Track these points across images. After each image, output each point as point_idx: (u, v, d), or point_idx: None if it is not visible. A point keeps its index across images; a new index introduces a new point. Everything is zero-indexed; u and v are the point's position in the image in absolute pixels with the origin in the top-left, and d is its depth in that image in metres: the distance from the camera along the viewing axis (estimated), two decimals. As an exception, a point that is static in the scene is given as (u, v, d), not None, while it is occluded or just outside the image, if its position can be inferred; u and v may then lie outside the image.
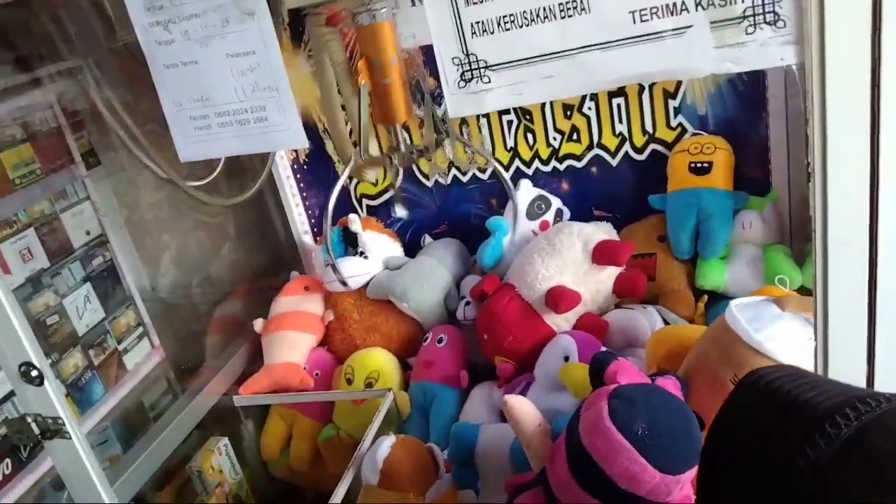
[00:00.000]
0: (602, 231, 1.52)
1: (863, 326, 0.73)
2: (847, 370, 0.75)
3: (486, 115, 1.67)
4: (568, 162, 1.70)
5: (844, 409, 0.47)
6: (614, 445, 0.92)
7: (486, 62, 0.69)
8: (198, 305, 1.82)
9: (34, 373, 1.07)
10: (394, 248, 1.79)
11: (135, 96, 1.65)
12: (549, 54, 0.67)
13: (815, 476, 0.45)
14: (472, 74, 0.70)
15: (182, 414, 1.57)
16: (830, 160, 0.66)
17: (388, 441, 1.27)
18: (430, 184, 1.82)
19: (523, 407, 1.10)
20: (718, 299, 1.54)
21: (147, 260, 1.71)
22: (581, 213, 1.72)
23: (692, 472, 0.93)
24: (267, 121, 0.81)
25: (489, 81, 0.70)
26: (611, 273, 1.47)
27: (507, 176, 1.71)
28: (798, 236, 1.55)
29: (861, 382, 0.76)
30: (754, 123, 1.55)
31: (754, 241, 1.53)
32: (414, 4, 0.98)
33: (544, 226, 1.66)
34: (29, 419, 1.12)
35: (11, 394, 1.37)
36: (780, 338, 1.06)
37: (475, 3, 0.67)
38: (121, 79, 1.62)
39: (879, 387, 0.76)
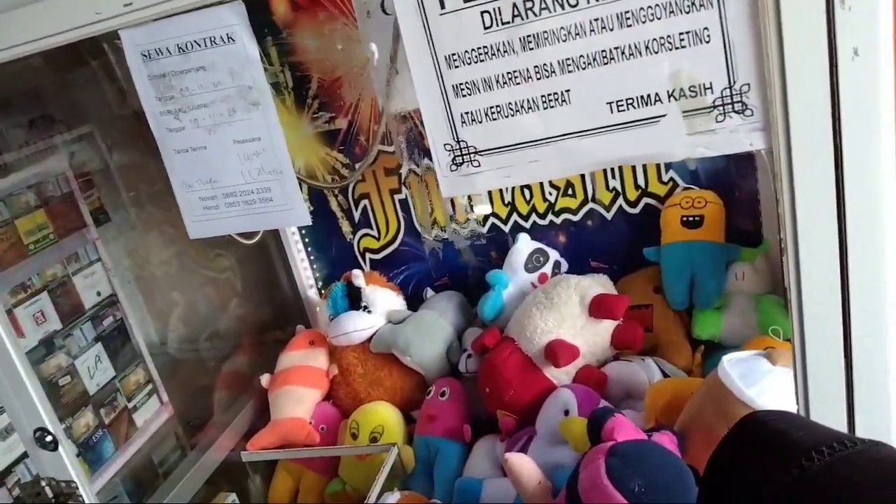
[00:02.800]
0: (598, 284, 1.56)
1: (841, 383, 0.77)
2: (827, 419, 0.78)
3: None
4: (564, 216, 1.75)
5: (821, 447, 0.52)
6: (612, 503, 0.94)
7: (475, 148, 0.74)
8: (205, 361, 1.86)
9: (48, 438, 1.11)
10: (397, 302, 1.83)
11: (144, 158, 1.72)
12: (534, 141, 0.72)
13: (784, 499, 0.50)
14: (463, 159, 0.75)
15: (191, 470, 1.59)
16: (801, 235, 0.70)
17: (393, 498, 1.29)
18: (430, 238, 1.87)
19: (524, 464, 1.13)
20: (715, 349, 1.56)
21: (156, 316, 1.75)
22: (578, 265, 1.77)
23: (687, 531, 0.95)
24: (272, 201, 0.86)
25: (479, 165, 0.75)
26: (608, 325, 1.50)
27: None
28: (791, 285, 1.58)
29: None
30: (744, 176, 1.60)
31: (747, 291, 1.56)
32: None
33: (543, 278, 1.70)
34: (43, 483, 1.15)
35: (24, 456, 1.40)
36: (771, 392, 1.09)
37: (465, 96, 0.73)
38: (131, 142, 1.69)
39: (859, 429, 0.80)
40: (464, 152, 0.75)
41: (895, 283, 0.70)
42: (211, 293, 1.93)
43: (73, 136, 1.61)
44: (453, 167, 0.76)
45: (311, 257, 2.01)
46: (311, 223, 0.90)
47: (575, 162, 0.71)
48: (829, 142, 0.66)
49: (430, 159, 1.76)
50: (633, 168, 1.65)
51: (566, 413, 1.36)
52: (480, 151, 0.74)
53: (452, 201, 1.79)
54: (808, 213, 0.69)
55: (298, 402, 1.71)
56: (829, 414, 0.78)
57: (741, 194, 1.60)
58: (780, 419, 0.62)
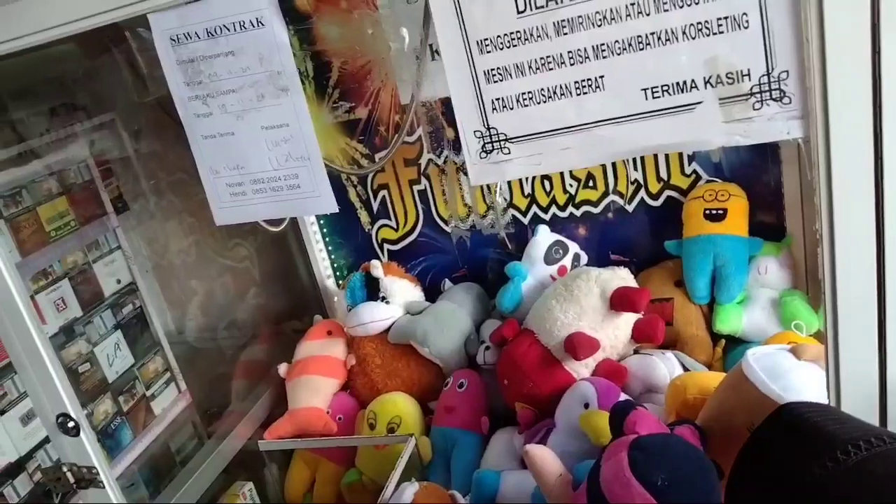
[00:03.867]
0: (619, 277, 1.54)
1: (874, 378, 0.75)
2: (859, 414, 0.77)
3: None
4: (584, 208, 1.74)
5: (858, 441, 0.51)
6: (634, 496, 0.93)
7: (505, 135, 0.73)
8: (223, 349, 1.86)
9: (71, 424, 1.12)
10: (415, 293, 1.82)
11: (164, 147, 1.72)
12: (566, 128, 0.71)
13: (815, 490, 0.49)
14: (493, 146, 0.74)
15: (209, 459, 1.60)
16: (837, 227, 0.69)
17: (412, 489, 1.29)
18: (449, 229, 1.86)
19: (545, 457, 1.12)
20: (736, 343, 1.55)
21: (174, 305, 1.75)
22: (598, 258, 1.75)
23: (711, 525, 0.94)
24: (299, 188, 0.85)
25: (509, 153, 0.74)
26: (629, 319, 1.49)
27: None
28: (814, 281, 1.56)
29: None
30: (768, 170, 1.58)
31: (771, 286, 1.55)
32: (434, 59, 1.03)
33: (562, 271, 1.69)
34: (64, 468, 1.16)
35: (44, 441, 1.41)
36: (796, 388, 1.07)
37: (496, 82, 0.72)
38: (152, 131, 1.69)
39: (891, 425, 0.78)
40: (494, 139, 0.74)
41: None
42: (229, 282, 1.93)
43: (95, 125, 1.61)
44: (483, 154, 0.75)
45: (329, 248, 2.00)
46: (337, 210, 0.89)
47: (607, 149, 0.70)
48: (870, 131, 0.64)
49: (452, 150, 1.77)
50: (656, 159, 1.64)
51: (586, 406, 1.36)
52: (511, 139, 0.73)
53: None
54: (845, 203, 0.67)
55: (316, 392, 1.71)
56: (861, 409, 0.76)
57: (765, 188, 1.58)
58: (815, 411, 0.62)
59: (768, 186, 1.58)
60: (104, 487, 1.15)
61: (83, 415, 1.13)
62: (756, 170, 1.58)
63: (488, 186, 1.76)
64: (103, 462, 1.14)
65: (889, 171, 0.65)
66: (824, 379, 1.07)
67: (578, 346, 1.41)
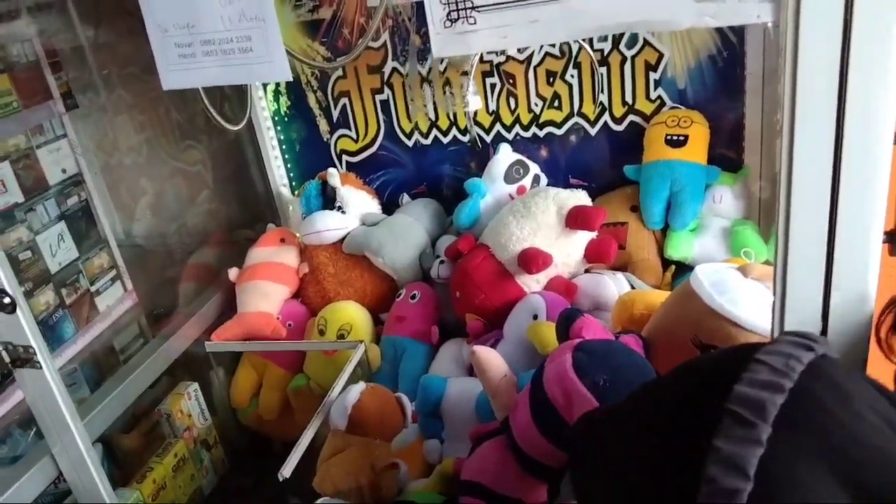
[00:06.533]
0: (577, 198, 1.54)
1: (818, 303, 0.77)
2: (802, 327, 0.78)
3: (471, 77, 1.67)
4: (548, 129, 1.72)
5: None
6: (577, 395, 0.95)
7: (472, 3, 0.71)
8: (173, 252, 1.82)
9: (6, 300, 1.08)
10: (372, 205, 1.80)
11: (117, 37, 1.63)
12: (535, -1, 0.69)
13: None
14: (459, 14, 0.71)
15: (152, 357, 1.57)
16: (798, 116, 0.68)
17: (358, 388, 1.30)
18: (410, 143, 1.83)
19: (491, 357, 1.13)
20: (685, 270, 1.58)
21: (123, 202, 1.70)
22: (557, 181, 1.75)
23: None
24: (252, 51, 0.81)
25: (475, 23, 0.71)
26: (583, 238, 1.50)
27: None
28: (766, 213, 1.59)
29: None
30: (731, 100, 1.58)
31: (724, 215, 1.57)
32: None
33: (521, 190, 1.69)
34: (-1, 347, 1.12)
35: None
36: (741, 302, 1.10)
37: (466, -56, 0.69)
38: (105, 19, 1.60)
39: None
40: (459, 7, 0.71)
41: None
42: (181, 185, 1.88)
43: (41, 1, 1.51)
44: (447, 23, 0.72)
45: (286, 155, 1.96)
46: (290, 78, 0.85)
47: (578, 24, 0.68)
48: (840, 17, 0.64)
49: (418, 59, 1.72)
50: (622, 82, 1.62)
51: (535, 317, 1.37)
52: (477, 7, 0.70)
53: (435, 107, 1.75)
54: (809, 91, 0.67)
55: (266, 297, 1.69)
56: (803, 322, 0.78)
57: (727, 118, 1.59)
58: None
59: (730, 117, 1.59)
60: (41, 368, 1.12)
61: (20, 293, 1.09)
62: (720, 99, 1.59)
63: (453, 96, 1.73)
64: (41, 343, 1.11)
65: (855, 56, 0.64)
66: (769, 297, 1.10)
67: (531, 260, 1.42)
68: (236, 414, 1.77)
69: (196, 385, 1.66)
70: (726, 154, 1.61)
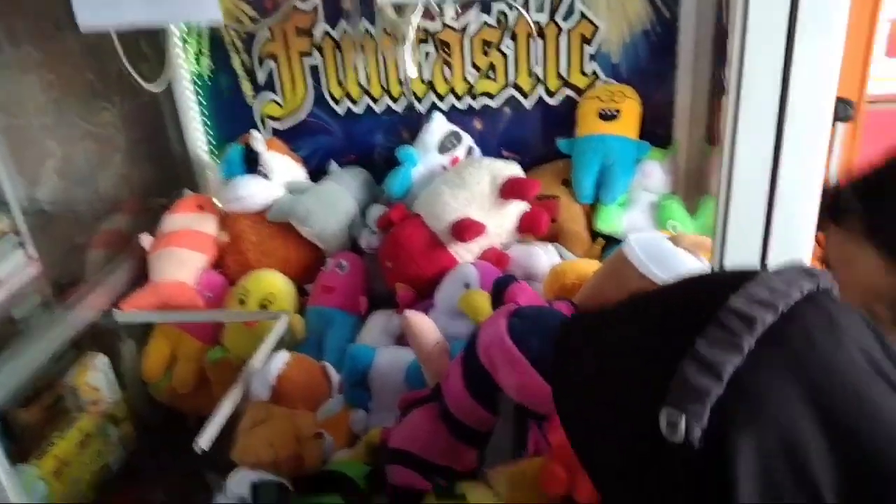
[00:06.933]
0: (511, 169, 1.53)
1: (757, 249, 0.77)
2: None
3: (406, 45, 1.63)
4: (482, 100, 1.70)
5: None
6: (511, 360, 0.94)
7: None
8: (81, 218, 1.69)
9: None
10: (298, 173, 1.73)
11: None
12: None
13: None
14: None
15: (55, 328, 1.46)
16: (746, 72, 0.68)
17: (283, 357, 1.24)
18: (340, 110, 1.77)
19: (423, 323, 1.10)
20: (614, 243, 1.59)
21: (27, 167, 1.57)
22: (490, 153, 1.73)
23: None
24: (177, -18, 0.74)
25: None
26: (515, 209, 1.49)
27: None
28: (692, 189, 1.62)
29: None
30: (663, 78, 1.60)
31: (652, 190, 1.59)
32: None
33: (454, 161, 1.66)
34: None
35: None
36: (674, 270, 1.10)
37: None
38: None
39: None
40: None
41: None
42: (91, 148, 1.75)
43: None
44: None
45: (206, 119, 1.85)
46: (220, 18, 0.79)
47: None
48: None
49: (350, 22, 1.66)
50: (557, 55, 1.62)
51: (467, 287, 1.35)
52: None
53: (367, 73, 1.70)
54: (755, 48, 0.67)
55: (182, 266, 1.60)
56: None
57: (658, 94, 1.61)
58: None
59: (661, 93, 1.61)
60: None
61: None
62: (652, 76, 1.60)
63: (386, 65, 1.69)
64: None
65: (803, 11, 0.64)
66: (698, 264, 1.11)
67: (465, 229, 1.40)
68: (148, 388, 1.67)
69: (105, 357, 1.55)
70: (656, 131, 1.63)
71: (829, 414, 0.39)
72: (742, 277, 0.44)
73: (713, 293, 0.44)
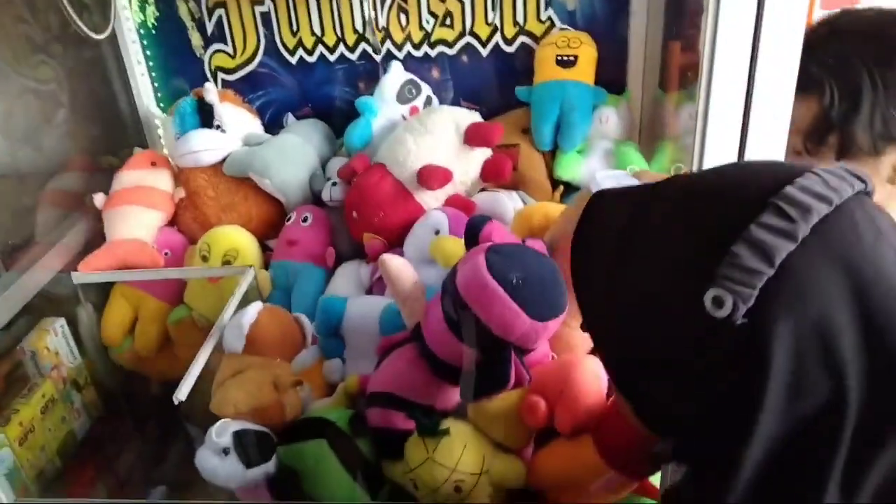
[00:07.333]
0: (473, 116, 1.53)
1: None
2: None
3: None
4: (440, 48, 1.69)
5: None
6: (491, 294, 0.95)
7: None
8: (26, 178, 1.62)
9: None
10: (254, 125, 1.69)
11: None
12: None
13: None
14: None
15: (8, 290, 1.40)
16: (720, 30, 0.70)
17: (255, 307, 1.23)
18: (294, 61, 1.73)
19: (400, 265, 1.11)
20: (573, 190, 1.62)
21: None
22: (448, 103, 1.73)
23: (557, 322, 0.98)
24: None
25: None
26: (480, 156, 1.50)
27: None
28: (647, 134, 1.66)
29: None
30: (617, 24, 1.62)
31: (609, 136, 1.62)
32: None
33: (414, 111, 1.65)
34: None
35: None
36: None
37: None
38: None
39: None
40: None
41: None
42: (32, 104, 1.66)
43: None
44: None
45: (153, 73, 1.79)
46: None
47: None
48: None
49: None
50: (514, 2, 1.62)
51: (437, 233, 1.36)
52: None
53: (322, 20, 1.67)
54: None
55: (138, 224, 1.55)
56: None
57: (612, 41, 1.63)
58: None
59: (615, 40, 1.63)
60: None
61: None
62: (606, 22, 1.62)
63: (340, 12, 1.65)
64: None
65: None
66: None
67: (432, 175, 1.40)
68: (109, 352, 1.63)
69: (63, 321, 1.51)
70: (610, 77, 1.66)
71: (867, 305, 0.42)
72: (792, 169, 0.46)
73: (765, 183, 0.45)
